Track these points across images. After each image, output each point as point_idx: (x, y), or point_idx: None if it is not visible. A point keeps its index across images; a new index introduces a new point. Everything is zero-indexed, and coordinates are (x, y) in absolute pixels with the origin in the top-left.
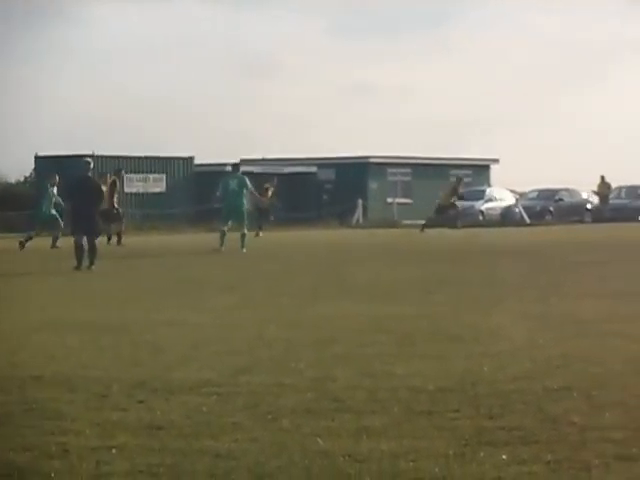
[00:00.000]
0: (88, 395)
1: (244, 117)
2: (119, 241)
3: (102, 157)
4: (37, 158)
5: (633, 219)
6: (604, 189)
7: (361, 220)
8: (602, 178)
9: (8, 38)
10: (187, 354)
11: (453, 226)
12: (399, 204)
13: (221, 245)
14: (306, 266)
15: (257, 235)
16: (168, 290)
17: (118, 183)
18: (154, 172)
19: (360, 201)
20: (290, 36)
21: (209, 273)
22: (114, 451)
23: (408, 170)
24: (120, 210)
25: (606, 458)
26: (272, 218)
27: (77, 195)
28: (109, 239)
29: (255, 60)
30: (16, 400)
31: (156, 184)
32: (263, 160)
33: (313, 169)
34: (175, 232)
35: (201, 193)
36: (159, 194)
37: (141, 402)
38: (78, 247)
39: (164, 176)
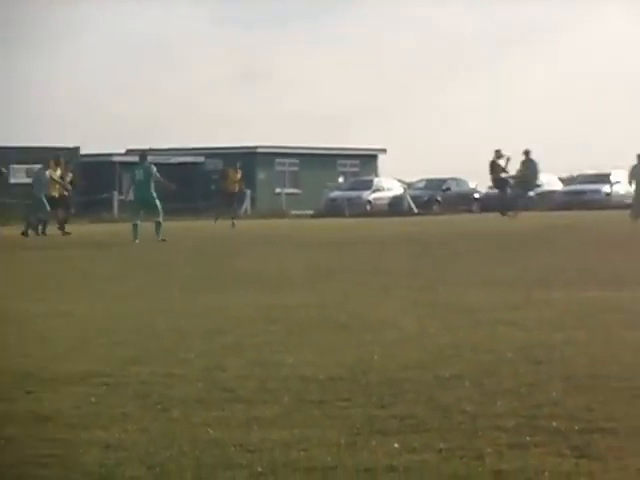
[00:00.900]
0: None
1: (131, 107)
2: (62, 229)
3: None
4: None
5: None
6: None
7: (249, 210)
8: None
9: None
10: (75, 345)
11: (342, 215)
12: (287, 194)
13: (135, 238)
14: (195, 256)
15: (232, 226)
16: (56, 281)
17: (59, 170)
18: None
19: (248, 191)
20: (177, 24)
21: (97, 264)
22: (2, 442)
23: (296, 160)
24: (66, 196)
25: (499, 446)
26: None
27: None
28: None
29: (141, 49)
30: None
31: None
32: (150, 150)
33: (200, 159)
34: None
35: (86, 183)
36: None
37: (29, 393)
38: None
39: None
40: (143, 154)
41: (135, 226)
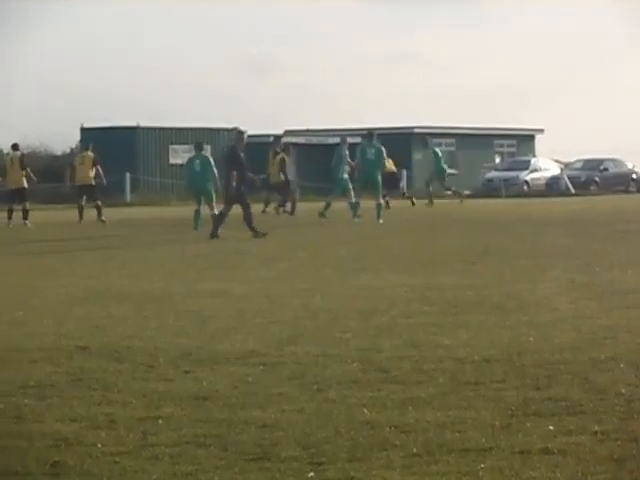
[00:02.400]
0: (134, 365)
1: (288, 88)
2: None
3: (147, 129)
4: (83, 130)
5: None
6: None
7: (405, 190)
8: None
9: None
10: (232, 324)
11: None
12: None
13: (355, 215)
14: (349, 236)
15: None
16: (212, 261)
17: (285, 157)
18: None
19: (404, 171)
20: (328, 6)
21: (253, 244)
22: (161, 422)
23: (452, 140)
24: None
25: None
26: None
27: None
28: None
29: (294, 31)
30: (63, 371)
31: None
32: (307, 131)
33: (357, 140)
34: (221, 203)
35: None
36: None
37: (187, 372)
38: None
39: (209, 147)
40: (371, 133)
41: (356, 204)
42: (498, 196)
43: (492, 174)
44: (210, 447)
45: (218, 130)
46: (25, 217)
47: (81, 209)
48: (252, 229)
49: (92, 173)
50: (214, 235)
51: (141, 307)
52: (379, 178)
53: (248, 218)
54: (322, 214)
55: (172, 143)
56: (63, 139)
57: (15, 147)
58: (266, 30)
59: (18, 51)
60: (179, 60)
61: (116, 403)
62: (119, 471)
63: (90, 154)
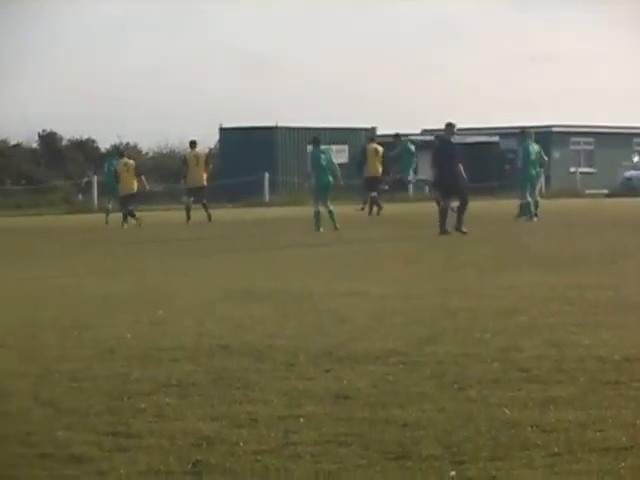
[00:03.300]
0: (275, 364)
1: (427, 87)
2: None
3: (286, 128)
4: (222, 129)
5: None
6: None
7: (544, 190)
8: None
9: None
10: (371, 324)
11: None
12: (582, 173)
13: (531, 216)
14: (487, 236)
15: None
16: (349, 261)
17: None
18: (337, 143)
19: (542, 170)
20: (469, 6)
21: (389, 244)
22: (302, 420)
23: (591, 139)
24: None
25: None
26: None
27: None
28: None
29: (436, 30)
30: (204, 369)
31: (339, 155)
32: (441, 130)
33: (495, 139)
34: (356, 203)
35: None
36: (342, 165)
37: (327, 371)
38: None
39: (347, 147)
40: (524, 132)
41: (528, 204)
42: (637, 195)
43: (630, 173)
44: (352, 446)
45: (356, 130)
46: (131, 215)
47: (189, 210)
48: (458, 222)
49: (205, 174)
50: (444, 232)
51: (280, 306)
52: (536, 177)
53: (460, 212)
54: (531, 215)
55: (309, 143)
56: (203, 140)
57: (122, 154)
58: (416, 30)
59: (158, 55)
60: (319, 60)
61: (257, 402)
62: (261, 470)
63: (201, 153)
